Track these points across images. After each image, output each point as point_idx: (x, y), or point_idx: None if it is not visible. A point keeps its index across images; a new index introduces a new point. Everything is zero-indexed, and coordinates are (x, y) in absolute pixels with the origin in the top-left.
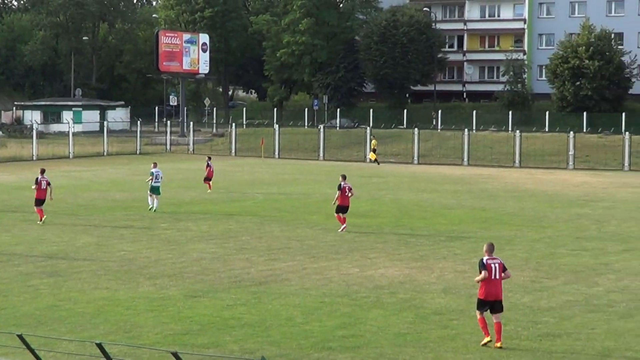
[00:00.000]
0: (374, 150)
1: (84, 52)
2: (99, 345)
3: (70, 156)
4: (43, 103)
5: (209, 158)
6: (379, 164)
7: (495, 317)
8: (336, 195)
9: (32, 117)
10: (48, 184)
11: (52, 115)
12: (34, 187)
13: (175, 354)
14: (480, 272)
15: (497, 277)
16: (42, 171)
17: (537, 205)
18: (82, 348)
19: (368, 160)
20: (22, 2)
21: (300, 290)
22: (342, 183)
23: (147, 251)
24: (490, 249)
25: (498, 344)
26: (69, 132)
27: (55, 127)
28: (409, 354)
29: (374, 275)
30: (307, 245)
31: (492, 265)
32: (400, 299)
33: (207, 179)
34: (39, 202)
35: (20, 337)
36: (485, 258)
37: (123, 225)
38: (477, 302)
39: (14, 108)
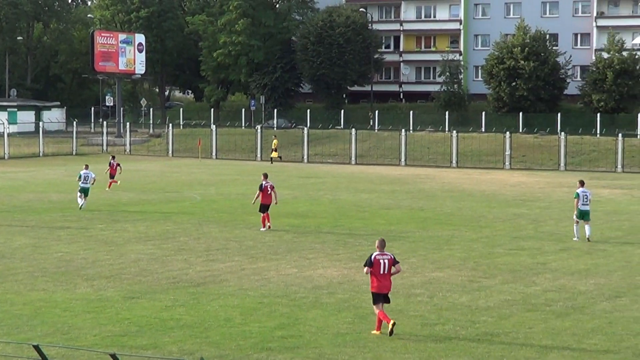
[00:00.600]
0: (275, 150)
1: (19, 52)
2: (36, 347)
3: (6, 157)
4: None
5: (113, 157)
6: (281, 159)
7: (382, 306)
8: (256, 194)
9: None
10: None
11: None
12: None
13: (113, 356)
14: (364, 268)
15: (386, 271)
16: None
17: (474, 205)
18: (19, 350)
19: (271, 160)
20: None
21: (239, 290)
22: (264, 182)
23: (85, 252)
24: (382, 244)
25: (392, 322)
26: (3, 132)
27: None
28: (348, 354)
29: (313, 275)
30: (245, 245)
31: (381, 260)
32: (339, 299)
33: (111, 176)
34: None
35: None
36: (375, 254)
37: (60, 227)
38: (372, 296)
39: None
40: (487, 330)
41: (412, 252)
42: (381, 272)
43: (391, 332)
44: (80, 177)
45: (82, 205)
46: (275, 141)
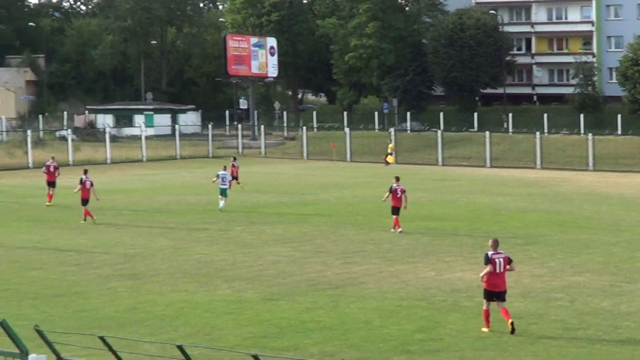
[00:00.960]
0: (390, 154)
1: (153, 56)
2: (180, 348)
3: (144, 159)
4: (115, 107)
5: (234, 159)
6: (387, 164)
7: (500, 304)
8: (385, 195)
9: (105, 121)
10: (91, 184)
11: (124, 119)
12: (78, 188)
13: (255, 357)
14: (486, 266)
15: (502, 270)
16: (85, 172)
17: (612, 209)
18: (163, 350)
19: (385, 163)
20: (90, 7)
21: (378, 293)
22: (394, 185)
23: (224, 254)
24: (495, 244)
25: (510, 321)
26: (141, 135)
27: (127, 131)
28: (489, 357)
29: (451, 278)
30: (382, 248)
31: (497, 259)
32: (478, 302)
33: (234, 178)
34: (84, 201)
35: (101, 338)
36: (490, 252)
37: (198, 228)
38: (483, 292)
39: (86, 112)
40: (630, 336)
41: (551, 255)
42: (497, 270)
43: (512, 331)
44: (218, 176)
45: (221, 206)
46: (391, 145)
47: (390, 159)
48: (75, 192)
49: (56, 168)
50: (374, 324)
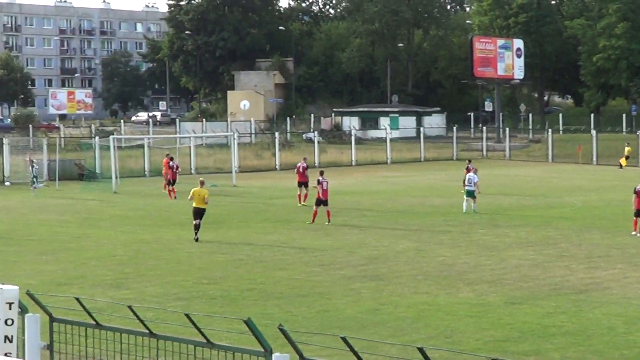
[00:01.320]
0: (627, 157)
1: (400, 58)
2: (421, 350)
3: (388, 162)
4: (361, 109)
5: (469, 161)
6: (620, 167)
7: None
8: (633, 198)
9: (350, 123)
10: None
11: (369, 121)
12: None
13: None
14: None
15: None
16: (321, 173)
17: None
18: (404, 352)
19: (619, 166)
20: (339, 10)
21: (622, 299)
22: (638, 187)
23: (466, 257)
24: None
25: None
26: (386, 138)
27: (372, 133)
28: None
29: None
30: (628, 253)
31: None
32: None
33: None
34: (320, 202)
35: (343, 339)
36: None
37: (442, 231)
38: None
39: (333, 114)
40: None
41: None
42: None
43: None
44: (465, 180)
45: (472, 208)
46: (628, 148)
47: (623, 161)
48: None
49: (305, 169)
50: (618, 330)
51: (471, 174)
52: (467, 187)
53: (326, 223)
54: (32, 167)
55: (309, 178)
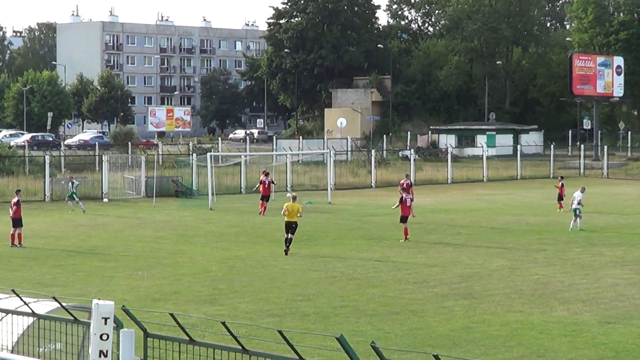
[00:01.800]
0: None
1: (498, 76)
2: None
3: (484, 180)
4: (457, 127)
5: (562, 177)
6: None
7: None
8: None
9: (447, 141)
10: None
11: (466, 139)
12: (258, 184)
13: None
14: None
15: None
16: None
17: None
18: None
19: None
20: (437, 28)
21: None
22: None
23: (561, 275)
24: None
25: None
26: (482, 155)
27: (469, 151)
28: None
29: None
30: None
31: None
32: None
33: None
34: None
35: (436, 357)
36: None
37: (536, 249)
38: None
39: (429, 132)
40: None
41: None
42: None
43: None
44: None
45: (579, 226)
46: None
47: None
48: (393, 208)
49: (409, 186)
50: None
51: (577, 192)
52: (573, 206)
53: (400, 240)
54: (72, 183)
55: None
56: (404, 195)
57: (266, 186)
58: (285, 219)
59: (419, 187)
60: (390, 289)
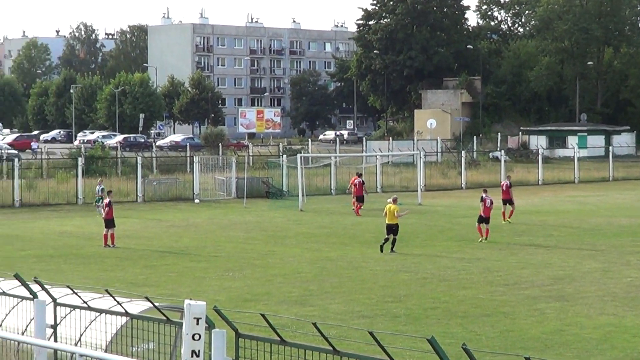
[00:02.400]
0: None
1: (589, 76)
2: None
3: (575, 181)
4: (548, 128)
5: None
6: None
7: None
8: None
9: (538, 142)
10: (491, 203)
11: (556, 140)
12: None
13: None
14: None
15: None
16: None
17: None
18: None
19: None
20: (527, 28)
21: None
22: None
23: None
24: None
25: None
26: (574, 157)
27: (560, 152)
28: None
29: None
30: None
31: None
32: None
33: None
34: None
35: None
36: None
37: (629, 251)
38: None
39: (520, 133)
40: None
41: None
42: None
43: None
44: None
45: None
46: None
47: None
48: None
49: (509, 187)
50: None
51: None
52: None
53: (480, 240)
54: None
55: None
56: (483, 195)
57: (357, 187)
58: (386, 221)
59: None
60: (481, 290)
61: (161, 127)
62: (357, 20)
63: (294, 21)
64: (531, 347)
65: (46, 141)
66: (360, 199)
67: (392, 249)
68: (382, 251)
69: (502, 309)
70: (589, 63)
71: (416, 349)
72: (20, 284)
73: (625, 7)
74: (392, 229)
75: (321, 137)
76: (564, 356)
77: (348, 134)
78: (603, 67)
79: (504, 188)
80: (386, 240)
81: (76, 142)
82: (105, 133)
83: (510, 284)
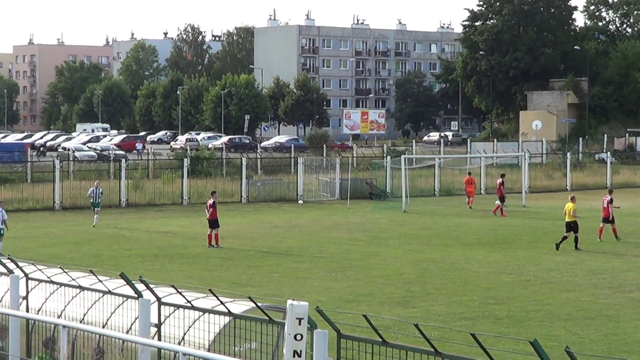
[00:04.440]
0: None
1: None
2: None
3: None
4: None
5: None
6: None
7: None
8: None
9: None
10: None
11: None
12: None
13: None
14: None
15: None
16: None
17: None
18: None
19: None
20: (636, 28)
21: None
22: None
23: None
24: None
25: None
26: None
27: None
28: None
29: None
30: None
31: None
32: None
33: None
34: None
35: None
36: None
37: None
38: None
39: (627, 134)
40: None
41: None
42: None
43: None
44: None
45: None
46: None
47: None
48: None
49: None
50: None
51: None
52: None
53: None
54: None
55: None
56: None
57: (499, 187)
58: (565, 219)
59: (615, 191)
60: (585, 293)
61: (266, 129)
62: (463, 21)
63: (400, 22)
64: (635, 351)
65: (152, 142)
66: (502, 199)
67: (575, 246)
68: (557, 249)
69: (606, 312)
70: None
71: (518, 352)
72: (125, 283)
73: None
74: (571, 227)
75: (425, 138)
76: None
77: (452, 136)
78: None
79: (605, 204)
80: (564, 238)
81: (174, 143)
82: (210, 134)
83: (615, 287)
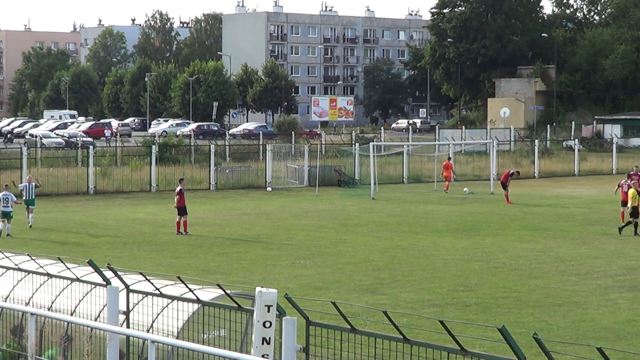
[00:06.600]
0: None
1: None
2: None
3: None
4: (623, 117)
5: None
6: None
7: None
8: None
9: (612, 131)
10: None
11: (632, 129)
12: None
13: None
14: None
15: None
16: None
17: None
18: None
19: None
20: (603, 16)
21: None
22: None
23: None
24: None
25: None
26: None
27: (635, 141)
28: None
29: None
30: None
31: None
32: None
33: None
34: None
35: (599, 350)
36: None
37: None
38: None
39: (594, 122)
40: None
41: None
42: None
43: None
44: None
45: None
46: None
47: None
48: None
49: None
50: None
51: None
52: None
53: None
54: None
55: None
56: (622, 180)
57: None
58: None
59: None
60: (552, 280)
61: (234, 116)
62: (432, 8)
63: (368, 9)
64: (603, 338)
65: (123, 128)
66: (504, 186)
67: (635, 232)
68: (620, 232)
69: (574, 299)
70: None
71: (487, 338)
72: (93, 270)
73: None
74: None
75: (394, 125)
76: (636, 347)
77: (421, 123)
78: None
79: (625, 188)
80: (628, 223)
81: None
82: (178, 121)
83: (582, 274)
